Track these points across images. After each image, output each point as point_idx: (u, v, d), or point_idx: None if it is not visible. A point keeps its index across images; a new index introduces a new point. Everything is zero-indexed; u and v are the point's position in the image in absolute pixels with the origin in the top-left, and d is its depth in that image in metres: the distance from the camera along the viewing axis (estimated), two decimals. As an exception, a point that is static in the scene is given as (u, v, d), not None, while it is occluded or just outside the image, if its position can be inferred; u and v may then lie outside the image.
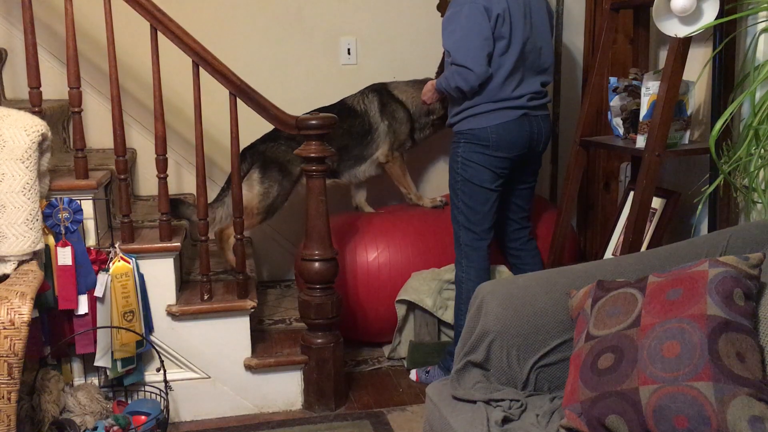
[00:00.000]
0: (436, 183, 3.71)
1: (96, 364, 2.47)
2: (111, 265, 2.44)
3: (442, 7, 3.49)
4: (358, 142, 3.24)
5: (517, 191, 2.89)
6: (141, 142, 3.35)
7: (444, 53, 3.06)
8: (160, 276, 2.60)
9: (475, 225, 2.73)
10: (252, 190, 3.03)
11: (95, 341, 2.45)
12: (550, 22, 2.85)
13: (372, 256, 3.06)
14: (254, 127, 2.94)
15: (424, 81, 3.21)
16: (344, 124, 3.13)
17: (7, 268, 2.16)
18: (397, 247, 3.09)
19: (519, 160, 2.73)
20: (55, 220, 2.35)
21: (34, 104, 2.45)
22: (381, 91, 3.31)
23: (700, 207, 2.19)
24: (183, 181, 3.46)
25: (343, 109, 3.21)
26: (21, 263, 2.19)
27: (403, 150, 3.34)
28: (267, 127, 2.83)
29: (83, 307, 2.41)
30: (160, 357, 2.53)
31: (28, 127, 2.21)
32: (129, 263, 2.47)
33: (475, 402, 1.74)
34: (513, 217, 2.94)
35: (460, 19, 2.60)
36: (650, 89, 2.42)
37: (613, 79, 2.72)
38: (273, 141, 3.08)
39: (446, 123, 2.86)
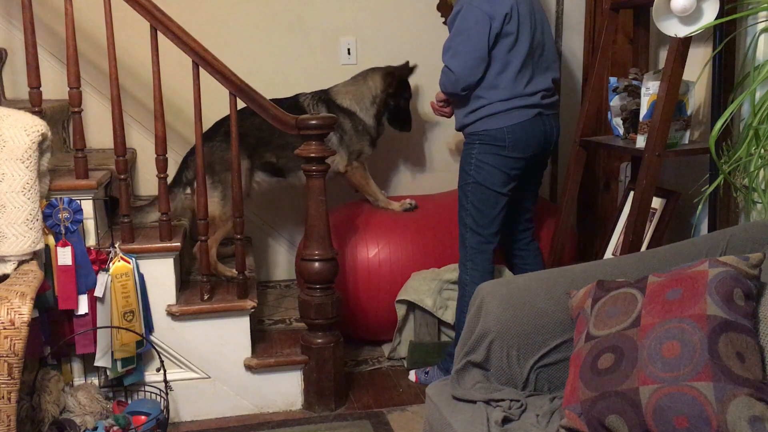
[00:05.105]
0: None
1: (96, 364, 2.47)
2: (111, 265, 2.44)
3: (442, 8, 3.49)
4: None
5: (526, 192, 2.87)
6: (141, 142, 3.35)
7: None
8: (160, 276, 2.60)
9: (483, 228, 2.70)
10: (210, 199, 2.81)
11: (95, 341, 2.45)
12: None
13: (372, 252, 3.05)
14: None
15: (365, 74, 3.18)
16: None
17: (7, 268, 2.16)
18: (397, 243, 3.08)
19: (533, 160, 2.71)
20: (55, 220, 2.35)
21: (34, 104, 2.45)
22: (327, 101, 3.15)
23: (700, 207, 2.19)
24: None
25: (293, 105, 3.02)
26: (21, 263, 2.19)
27: (363, 158, 3.21)
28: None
29: (83, 307, 2.41)
30: (160, 357, 2.53)
31: (28, 127, 2.21)
32: (129, 263, 2.47)
33: (475, 402, 1.74)
34: (519, 219, 2.93)
35: (459, 20, 2.59)
36: (650, 89, 2.42)
37: (613, 79, 2.72)
38: (210, 141, 2.91)
39: (456, 125, 2.78)
